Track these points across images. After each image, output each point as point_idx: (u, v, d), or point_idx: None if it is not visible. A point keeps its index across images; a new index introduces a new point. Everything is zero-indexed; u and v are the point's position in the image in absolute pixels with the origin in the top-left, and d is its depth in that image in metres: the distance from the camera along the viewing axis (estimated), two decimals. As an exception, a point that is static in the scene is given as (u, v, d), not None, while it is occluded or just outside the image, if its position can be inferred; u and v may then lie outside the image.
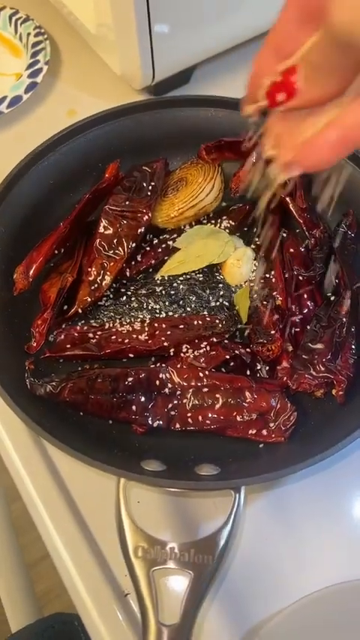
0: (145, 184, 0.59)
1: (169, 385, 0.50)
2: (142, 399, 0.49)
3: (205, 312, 0.54)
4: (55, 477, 0.51)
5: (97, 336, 0.53)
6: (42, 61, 0.75)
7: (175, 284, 0.56)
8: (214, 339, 0.52)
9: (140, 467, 0.45)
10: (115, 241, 0.56)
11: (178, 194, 0.60)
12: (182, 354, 0.52)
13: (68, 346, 0.53)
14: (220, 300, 0.55)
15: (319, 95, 0.26)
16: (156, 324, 0.53)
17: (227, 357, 0.52)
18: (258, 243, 0.59)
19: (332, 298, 0.54)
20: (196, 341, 0.53)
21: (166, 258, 0.58)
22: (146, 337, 0.53)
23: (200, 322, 0.53)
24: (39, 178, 0.60)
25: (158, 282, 0.57)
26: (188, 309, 0.55)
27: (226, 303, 0.55)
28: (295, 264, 0.57)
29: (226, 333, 0.53)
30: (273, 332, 0.52)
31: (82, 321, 0.55)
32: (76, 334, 0.53)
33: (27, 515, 0.50)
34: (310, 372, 0.50)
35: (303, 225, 0.58)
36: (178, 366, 0.51)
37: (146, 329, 0.53)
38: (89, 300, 0.55)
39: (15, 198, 0.58)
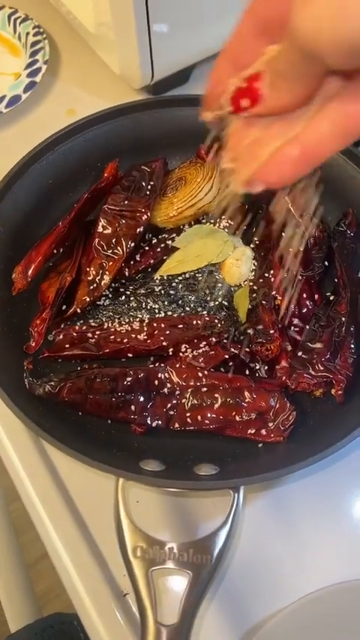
0: (144, 184, 0.59)
1: (168, 385, 0.50)
2: (141, 398, 0.49)
3: (204, 312, 0.54)
4: (54, 477, 0.51)
5: (95, 336, 0.53)
6: (41, 60, 0.75)
7: (174, 283, 0.56)
8: (213, 339, 0.52)
9: (139, 467, 0.45)
10: (113, 241, 0.56)
11: (177, 193, 0.60)
12: (181, 354, 0.52)
13: (67, 346, 0.53)
14: (219, 299, 0.55)
15: (284, 102, 0.26)
16: (155, 324, 0.53)
17: (226, 356, 0.52)
18: (257, 242, 0.59)
19: (331, 298, 0.54)
20: (195, 341, 0.52)
21: (165, 257, 0.58)
22: (145, 337, 0.53)
23: (199, 322, 0.53)
24: (38, 178, 0.60)
25: (157, 281, 0.57)
26: (187, 308, 0.55)
27: (225, 303, 0.55)
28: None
29: (225, 332, 0.53)
30: (272, 331, 0.52)
31: (81, 321, 0.55)
32: (74, 334, 0.53)
33: (26, 515, 0.50)
34: (309, 372, 0.50)
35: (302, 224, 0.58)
36: (177, 365, 0.51)
37: (145, 329, 0.53)
38: (88, 299, 0.55)
39: (14, 197, 0.58)
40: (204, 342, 0.52)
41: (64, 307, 0.55)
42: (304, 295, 0.55)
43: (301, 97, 0.26)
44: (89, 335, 0.53)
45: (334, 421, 0.49)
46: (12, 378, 0.49)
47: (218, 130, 0.31)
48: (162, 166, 0.61)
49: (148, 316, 0.54)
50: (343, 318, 0.52)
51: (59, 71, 0.79)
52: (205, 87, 0.30)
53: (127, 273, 0.57)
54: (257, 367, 0.52)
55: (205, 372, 0.50)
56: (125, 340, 0.53)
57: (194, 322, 0.53)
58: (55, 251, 0.56)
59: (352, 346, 0.51)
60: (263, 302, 0.54)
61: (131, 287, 0.57)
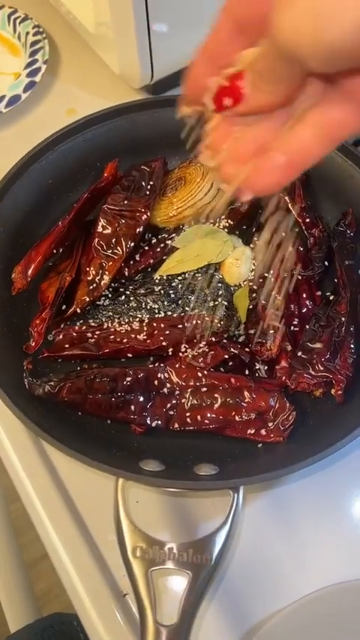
0: (143, 184, 0.59)
1: (168, 385, 0.50)
2: (141, 398, 0.49)
3: (204, 312, 0.54)
4: (54, 477, 0.51)
5: (95, 336, 0.53)
6: (40, 60, 0.75)
7: (173, 283, 0.56)
8: (213, 339, 0.52)
9: (139, 467, 0.45)
10: (113, 241, 0.56)
11: (176, 193, 0.60)
12: (181, 354, 0.52)
13: (67, 346, 0.53)
14: (219, 299, 0.55)
15: (266, 103, 0.26)
16: (154, 324, 0.53)
17: (226, 356, 0.52)
18: (257, 242, 0.59)
19: (331, 298, 0.54)
20: (195, 341, 0.52)
21: (164, 257, 0.58)
22: (145, 337, 0.52)
23: (199, 322, 0.53)
24: (37, 177, 0.60)
25: (157, 281, 0.57)
26: (187, 308, 0.55)
27: (225, 303, 0.55)
28: (294, 263, 0.57)
29: (224, 332, 0.53)
30: (272, 331, 0.52)
31: (81, 321, 0.55)
32: (74, 334, 0.53)
33: (26, 516, 0.50)
34: (309, 372, 0.50)
35: (302, 224, 0.58)
36: (177, 365, 0.51)
37: (145, 329, 0.53)
38: (88, 299, 0.55)
39: (14, 197, 0.58)
40: (204, 342, 0.52)
41: (63, 307, 0.55)
42: (304, 295, 0.55)
43: (282, 98, 0.26)
44: (89, 335, 0.53)
45: (334, 421, 0.49)
46: (12, 378, 0.49)
47: (196, 124, 0.31)
48: (161, 166, 0.61)
49: (147, 316, 0.54)
50: (343, 318, 0.52)
51: (59, 71, 0.79)
52: (183, 85, 0.30)
53: (126, 273, 0.57)
54: (257, 367, 0.52)
55: (205, 372, 0.50)
56: (125, 340, 0.52)
57: (194, 322, 0.53)
58: (54, 251, 0.56)
59: (352, 346, 0.51)
60: (263, 302, 0.54)
61: (131, 287, 0.57)
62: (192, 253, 0.57)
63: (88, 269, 0.55)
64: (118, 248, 0.56)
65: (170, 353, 0.53)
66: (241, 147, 0.28)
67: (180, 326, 0.53)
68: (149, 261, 0.58)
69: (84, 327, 0.54)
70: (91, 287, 0.55)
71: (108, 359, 0.53)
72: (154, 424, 0.49)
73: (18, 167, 0.58)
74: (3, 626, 0.73)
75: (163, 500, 0.50)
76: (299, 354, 0.51)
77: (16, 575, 0.79)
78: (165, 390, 0.50)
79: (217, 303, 0.55)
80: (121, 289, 0.57)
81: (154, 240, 0.59)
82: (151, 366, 0.52)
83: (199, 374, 0.50)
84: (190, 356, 0.52)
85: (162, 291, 0.56)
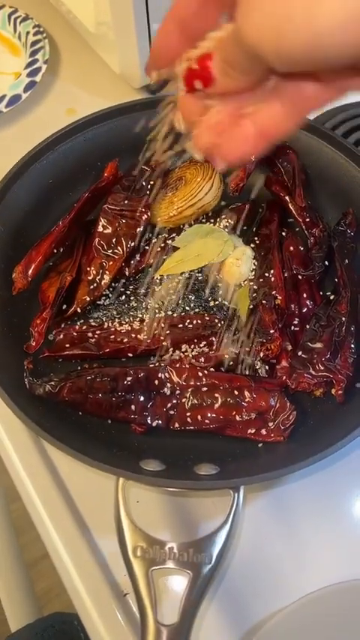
0: (144, 183, 0.59)
1: (168, 384, 0.50)
2: (141, 398, 0.49)
3: (205, 312, 0.54)
4: (55, 477, 0.51)
5: (96, 336, 0.53)
6: (41, 59, 0.75)
7: (174, 283, 0.56)
8: (213, 339, 0.52)
9: (139, 466, 0.45)
10: (114, 240, 0.56)
11: (177, 193, 0.60)
12: (181, 354, 0.52)
13: (67, 346, 0.53)
14: (219, 299, 0.55)
15: (235, 88, 0.27)
16: (155, 324, 0.53)
17: (226, 356, 0.52)
18: (257, 242, 0.59)
19: (331, 297, 0.54)
20: (195, 340, 0.52)
21: (165, 257, 0.58)
22: (145, 337, 0.52)
23: (199, 321, 0.53)
24: (38, 177, 0.60)
25: (157, 281, 0.57)
26: (187, 308, 0.55)
27: (225, 303, 0.55)
28: (295, 263, 0.57)
29: (224, 332, 0.52)
30: (272, 331, 0.52)
31: (81, 321, 0.55)
32: (75, 334, 0.53)
33: (27, 515, 0.50)
34: (310, 372, 0.50)
35: (302, 224, 0.58)
36: (177, 365, 0.51)
37: (145, 328, 0.53)
38: (88, 299, 0.55)
39: (14, 197, 0.58)
40: (204, 342, 0.52)
41: (64, 307, 0.55)
42: (304, 295, 0.55)
43: (251, 84, 0.26)
44: (89, 335, 0.53)
45: (334, 421, 0.49)
46: (12, 377, 0.49)
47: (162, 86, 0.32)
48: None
49: (148, 316, 0.54)
50: (344, 318, 0.52)
51: (59, 71, 0.79)
52: (150, 50, 0.30)
53: (127, 273, 0.57)
54: (257, 367, 0.52)
55: (205, 372, 0.50)
56: (125, 340, 0.52)
57: (194, 322, 0.53)
58: (55, 250, 0.56)
59: (353, 346, 0.51)
60: (263, 302, 0.54)
61: (131, 287, 0.57)
62: (192, 253, 0.57)
63: (88, 269, 0.56)
64: (119, 248, 0.56)
65: (170, 353, 0.53)
66: (216, 118, 0.29)
67: (180, 326, 0.53)
68: (150, 261, 0.58)
69: (84, 327, 0.54)
70: (92, 287, 0.55)
71: (108, 358, 0.53)
72: (154, 424, 0.49)
73: (18, 167, 0.58)
74: (4, 625, 0.73)
75: (163, 500, 0.50)
76: (300, 353, 0.51)
77: (16, 575, 0.79)
78: (165, 389, 0.50)
79: (217, 303, 0.55)
80: (122, 289, 0.57)
81: (154, 240, 0.59)
82: (151, 365, 0.52)
83: (200, 374, 0.50)
84: (190, 355, 0.52)
85: (162, 291, 0.56)
